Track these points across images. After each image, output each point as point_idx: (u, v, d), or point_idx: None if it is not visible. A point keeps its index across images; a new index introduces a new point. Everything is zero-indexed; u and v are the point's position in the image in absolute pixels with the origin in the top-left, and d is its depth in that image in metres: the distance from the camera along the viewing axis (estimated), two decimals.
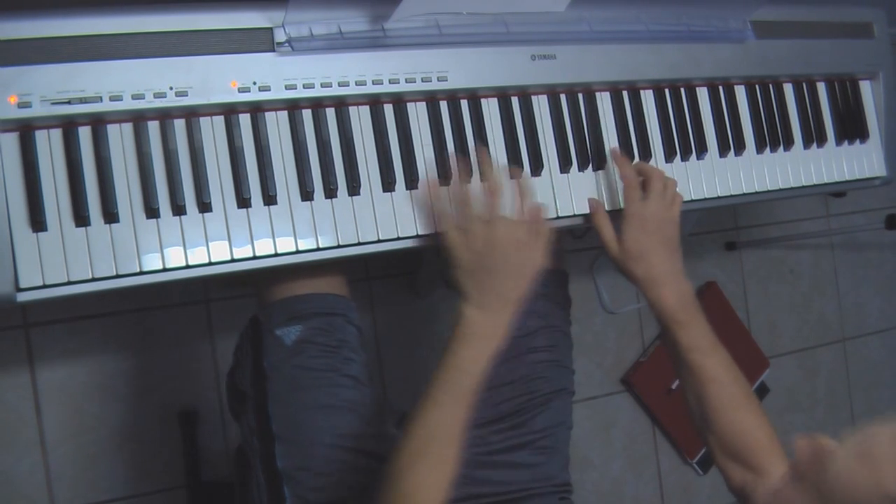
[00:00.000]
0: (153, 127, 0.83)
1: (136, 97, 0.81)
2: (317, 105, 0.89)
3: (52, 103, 0.78)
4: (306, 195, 0.88)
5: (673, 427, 1.94)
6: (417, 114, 0.94)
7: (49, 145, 0.79)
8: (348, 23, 0.88)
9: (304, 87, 0.87)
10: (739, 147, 1.11)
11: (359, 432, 0.93)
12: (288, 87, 0.86)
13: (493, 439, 1.00)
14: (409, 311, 1.68)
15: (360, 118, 0.91)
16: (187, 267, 0.83)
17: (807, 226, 2.21)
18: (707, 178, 1.09)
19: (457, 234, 0.87)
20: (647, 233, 0.95)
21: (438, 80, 0.93)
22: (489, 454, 0.99)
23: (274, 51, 0.86)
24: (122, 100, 0.80)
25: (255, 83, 0.85)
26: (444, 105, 0.95)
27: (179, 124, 0.84)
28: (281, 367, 0.93)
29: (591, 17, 1.00)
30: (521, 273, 0.87)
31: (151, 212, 0.81)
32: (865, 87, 1.24)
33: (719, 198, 1.10)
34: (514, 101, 0.99)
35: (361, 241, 0.89)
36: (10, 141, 0.78)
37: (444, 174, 0.93)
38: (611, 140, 1.04)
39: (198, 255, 0.83)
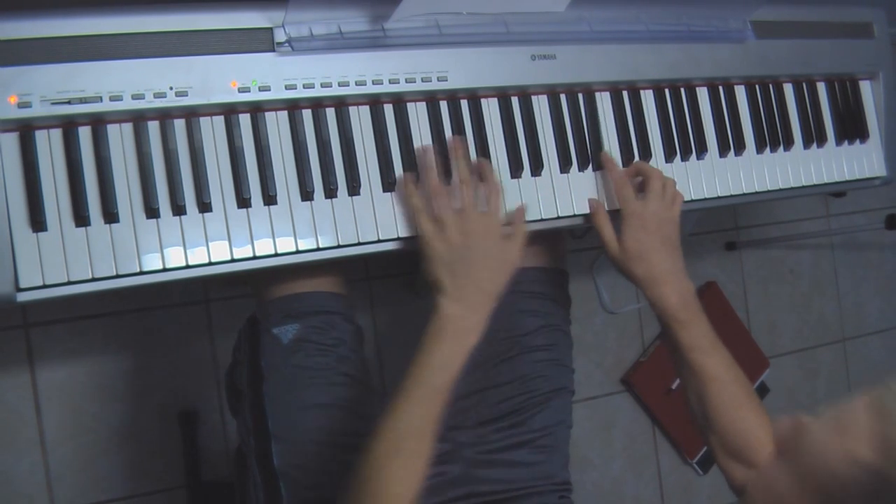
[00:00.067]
0: (153, 127, 0.83)
1: (136, 97, 0.81)
2: (317, 105, 0.89)
3: (52, 103, 0.78)
4: (306, 195, 0.88)
5: (673, 427, 1.94)
6: (417, 114, 0.94)
7: (49, 145, 0.79)
8: (348, 23, 0.88)
9: (304, 87, 0.87)
10: (739, 147, 1.11)
11: (355, 431, 0.93)
12: (288, 87, 0.86)
13: (492, 438, 1.00)
14: (409, 311, 1.68)
15: (360, 118, 0.91)
16: (187, 267, 0.83)
17: (807, 226, 2.21)
18: (707, 178, 1.09)
19: (431, 225, 0.86)
20: (647, 232, 0.95)
21: (438, 80, 0.93)
22: (489, 453, 0.99)
23: (274, 51, 0.86)
24: (122, 100, 0.80)
25: (255, 83, 0.85)
26: (444, 105, 0.95)
27: (179, 124, 0.84)
28: (278, 365, 0.93)
29: (591, 17, 1.00)
30: (498, 266, 0.86)
31: (151, 212, 0.81)
32: (865, 87, 1.24)
33: (719, 198, 1.10)
34: (514, 101, 0.99)
35: (361, 241, 0.89)
36: (10, 141, 0.78)
37: (443, 173, 0.93)
38: (611, 140, 1.04)
39: (198, 255, 0.83)
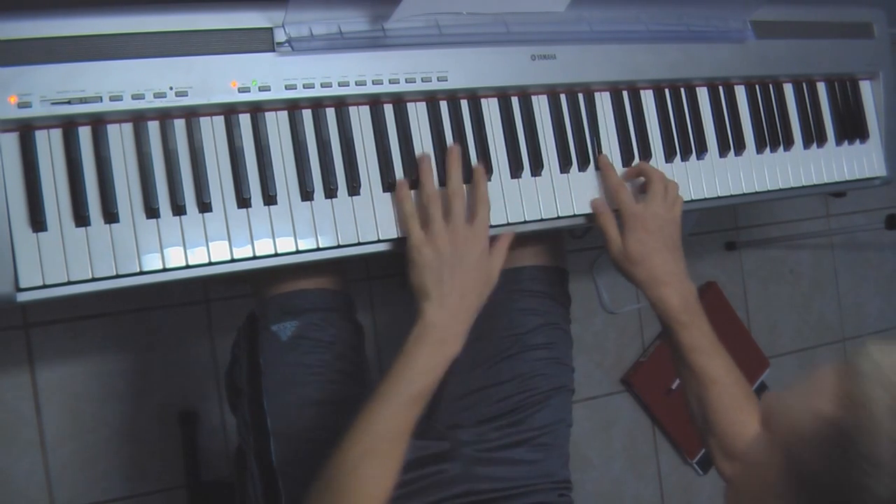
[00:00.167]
0: (153, 127, 0.83)
1: (136, 97, 0.81)
2: (317, 105, 0.89)
3: (52, 103, 0.78)
4: (306, 195, 0.87)
5: (673, 427, 1.94)
6: (417, 114, 0.94)
7: (49, 145, 0.79)
8: (348, 23, 0.88)
9: (304, 87, 0.87)
10: (739, 147, 1.11)
11: None
12: (288, 87, 0.86)
13: (492, 436, 1.00)
14: (409, 311, 1.68)
15: (360, 118, 0.91)
16: (187, 267, 0.83)
17: (807, 226, 2.21)
18: (707, 178, 1.09)
19: (421, 232, 0.86)
20: (649, 233, 0.95)
21: (438, 80, 0.93)
22: (488, 451, 0.99)
23: (274, 51, 0.86)
24: (122, 100, 0.80)
25: (255, 83, 0.85)
26: (444, 105, 0.95)
27: (179, 124, 0.84)
28: (276, 362, 0.94)
29: (591, 17, 1.00)
30: (482, 280, 0.86)
31: (151, 212, 0.81)
32: (865, 87, 1.24)
33: (719, 198, 1.10)
34: (514, 101, 0.99)
35: (361, 241, 0.89)
36: (10, 141, 0.78)
37: (443, 177, 0.93)
38: (611, 140, 1.04)
39: (198, 255, 0.83)
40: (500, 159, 0.97)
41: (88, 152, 0.80)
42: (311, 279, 0.97)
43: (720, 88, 1.11)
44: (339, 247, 0.89)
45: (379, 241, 0.90)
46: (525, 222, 0.97)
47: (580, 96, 1.02)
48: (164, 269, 0.82)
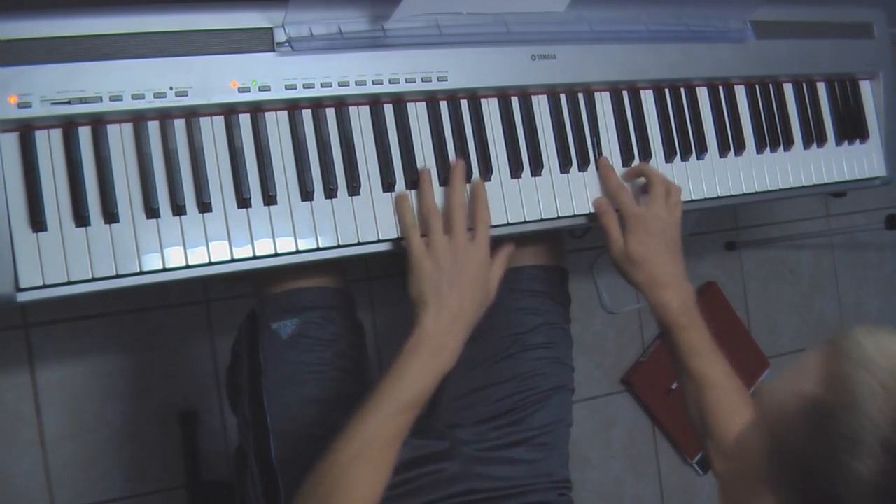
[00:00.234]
0: (153, 127, 0.83)
1: (136, 97, 0.81)
2: (317, 105, 0.89)
3: (52, 103, 0.78)
4: (306, 195, 0.87)
5: (673, 427, 1.94)
6: (417, 114, 0.94)
7: (49, 145, 0.79)
8: (348, 23, 0.88)
9: (304, 87, 0.87)
10: (739, 147, 1.11)
11: None
12: (288, 87, 0.86)
13: (491, 436, 1.00)
14: (409, 312, 1.68)
15: (360, 118, 0.91)
16: (187, 267, 0.83)
17: (807, 226, 2.21)
18: (707, 178, 1.09)
19: (422, 245, 0.86)
20: (651, 235, 0.96)
21: (438, 80, 0.93)
22: (488, 450, 0.99)
23: (274, 51, 0.86)
24: (122, 100, 0.80)
25: (255, 83, 0.85)
26: (444, 105, 0.95)
27: (179, 124, 0.84)
28: (276, 360, 0.94)
29: (591, 17, 1.00)
30: (479, 296, 0.87)
31: (151, 212, 0.81)
32: (865, 87, 1.24)
33: (719, 198, 1.10)
34: (514, 101, 0.99)
35: (361, 241, 0.89)
36: (10, 141, 0.78)
37: (443, 177, 0.94)
38: (611, 140, 1.04)
39: (198, 255, 0.83)
40: (500, 159, 0.97)
41: (88, 152, 0.80)
42: (312, 277, 0.97)
43: (720, 88, 1.11)
44: (339, 247, 0.89)
45: (379, 241, 0.90)
46: (525, 222, 0.97)
47: (580, 96, 1.02)
48: (164, 269, 0.82)
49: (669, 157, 1.07)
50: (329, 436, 0.82)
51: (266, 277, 0.97)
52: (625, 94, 1.05)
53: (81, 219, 0.79)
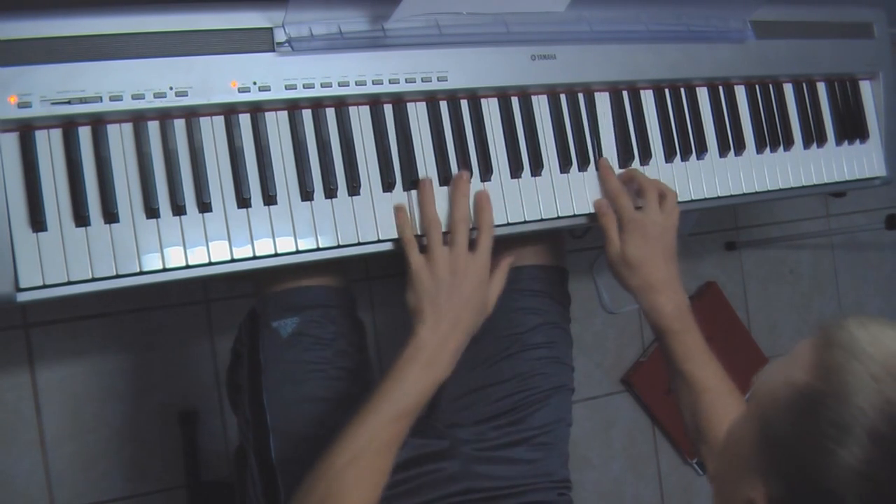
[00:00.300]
0: (153, 127, 0.83)
1: (136, 97, 0.81)
2: (317, 105, 0.89)
3: (52, 103, 0.78)
4: (306, 195, 0.87)
5: (673, 427, 1.94)
6: (417, 114, 0.94)
7: (49, 145, 0.79)
8: (348, 23, 0.88)
9: (304, 87, 0.87)
10: (739, 147, 1.11)
11: None
12: (288, 87, 0.86)
13: (491, 435, 1.00)
14: (408, 312, 1.68)
15: (360, 118, 0.91)
16: (187, 267, 0.83)
17: (807, 226, 2.21)
18: (707, 178, 1.09)
19: (421, 257, 0.87)
20: (648, 240, 0.96)
21: (438, 80, 0.93)
22: (487, 450, 0.99)
23: (274, 51, 0.86)
24: (122, 100, 0.80)
25: (255, 83, 0.85)
26: (444, 105, 0.95)
27: (179, 124, 0.84)
28: (276, 359, 0.94)
29: (591, 17, 1.00)
30: (477, 309, 0.87)
31: (151, 212, 0.81)
32: (865, 87, 1.24)
33: (719, 198, 1.10)
34: (514, 101, 0.99)
35: (361, 241, 0.89)
36: (10, 141, 0.78)
37: (443, 176, 0.94)
38: (611, 140, 1.04)
39: (198, 255, 0.83)
40: (499, 159, 0.97)
41: (88, 152, 0.81)
42: (313, 276, 0.97)
43: (720, 88, 1.11)
44: (339, 247, 0.89)
45: (379, 241, 0.90)
46: (525, 222, 0.97)
47: (580, 96, 1.02)
48: (164, 269, 0.82)
49: (669, 157, 1.07)
50: (329, 435, 0.82)
51: (266, 276, 0.97)
52: (625, 94, 1.05)
53: (81, 219, 0.79)
